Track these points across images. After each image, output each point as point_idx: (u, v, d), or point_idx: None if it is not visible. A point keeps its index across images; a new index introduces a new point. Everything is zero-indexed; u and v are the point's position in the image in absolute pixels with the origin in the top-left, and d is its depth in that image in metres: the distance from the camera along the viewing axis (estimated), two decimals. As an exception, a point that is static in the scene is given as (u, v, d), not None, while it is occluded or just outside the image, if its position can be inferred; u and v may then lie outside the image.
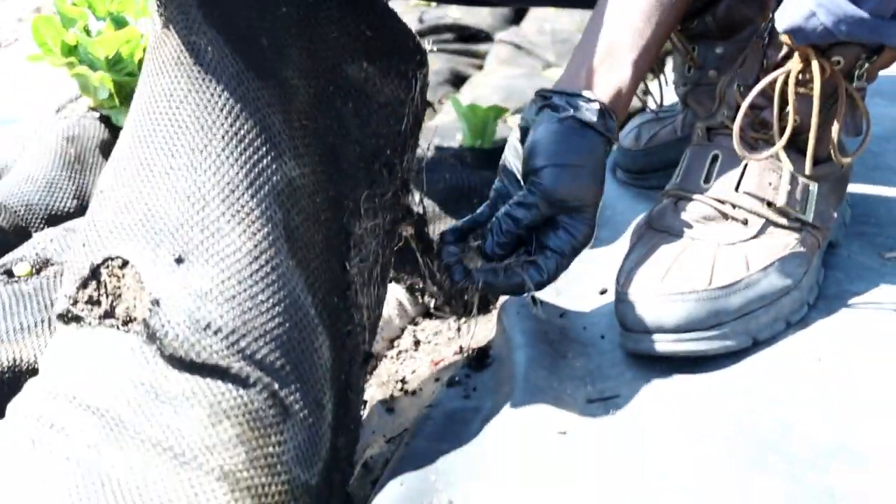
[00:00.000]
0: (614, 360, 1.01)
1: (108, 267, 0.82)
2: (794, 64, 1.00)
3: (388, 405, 1.15)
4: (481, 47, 1.98)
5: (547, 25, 1.92)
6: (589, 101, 0.98)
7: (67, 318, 0.84)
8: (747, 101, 1.01)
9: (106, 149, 1.48)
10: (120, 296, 0.81)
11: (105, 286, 0.82)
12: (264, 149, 0.84)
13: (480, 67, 1.93)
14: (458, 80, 1.87)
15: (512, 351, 1.04)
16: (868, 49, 0.99)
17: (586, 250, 1.24)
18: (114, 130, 1.50)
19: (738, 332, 0.97)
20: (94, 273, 0.82)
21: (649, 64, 1.03)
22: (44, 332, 1.05)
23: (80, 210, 1.40)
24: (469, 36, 2.00)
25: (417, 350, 1.32)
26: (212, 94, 0.84)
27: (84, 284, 0.82)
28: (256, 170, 0.83)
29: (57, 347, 0.85)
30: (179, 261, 0.80)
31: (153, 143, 0.84)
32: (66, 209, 1.40)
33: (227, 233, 0.81)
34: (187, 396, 0.77)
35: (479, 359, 1.09)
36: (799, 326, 1.01)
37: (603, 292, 1.15)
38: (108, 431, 0.78)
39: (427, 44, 1.75)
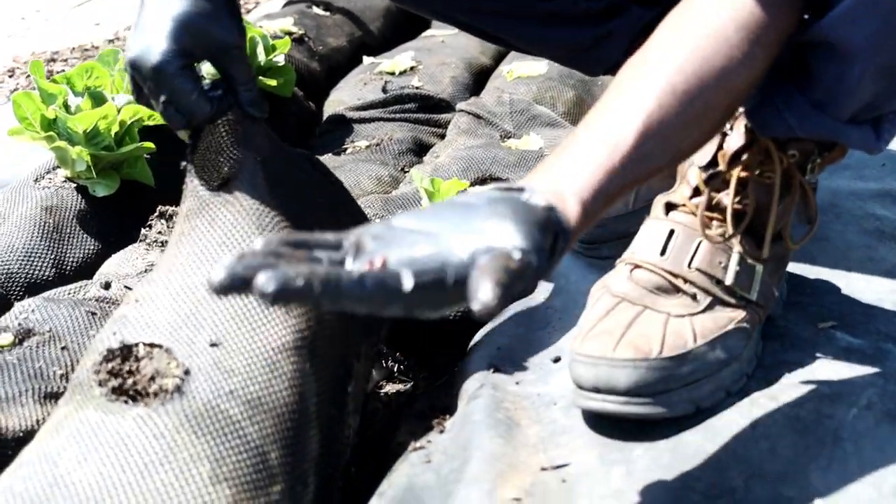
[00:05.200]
0: (566, 428, 1.08)
1: (137, 347, 0.97)
2: (755, 154, 1.10)
3: (353, 469, 1.21)
4: (443, 116, 2.07)
5: (506, 96, 2.00)
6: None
7: (80, 389, 0.94)
8: (710, 187, 1.12)
9: (83, 219, 1.54)
10: (143, 370, 0.94)
11: (130, 361, 0.95)
12: None
13: (442, 136, 2.01)
14: (420, 149, 1.96)
15: (471, 418, 1.10)
16: (821, 146, 1.11)
17: (540, 319, 1.32)
18: (90, 201, 1.56)
19: (683, 399, 1.05)
20: (122, 350, 0.96)
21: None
22: (28, 401, 1.10)
23: (59, 279, 1.46)
24: (431, 105, 2.08)
25: (381, 412, 1.38)
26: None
27: (108, 359, 0.96)
28: None
29: (60, 417, 0.92)
30: (214, 345, 0.96)
31: (203, 274, 1.03)
32: (45, 278, 1.45)
33: (261, 331, 0.98)
34: (193, 459, 0.88)
35: (440, 425, 1.15)
36: (738, 396, 1.08)
37: (556, 360, 1.22)
38: (109, 488, 0.86)
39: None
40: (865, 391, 1.09)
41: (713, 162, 1.14)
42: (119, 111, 1.53)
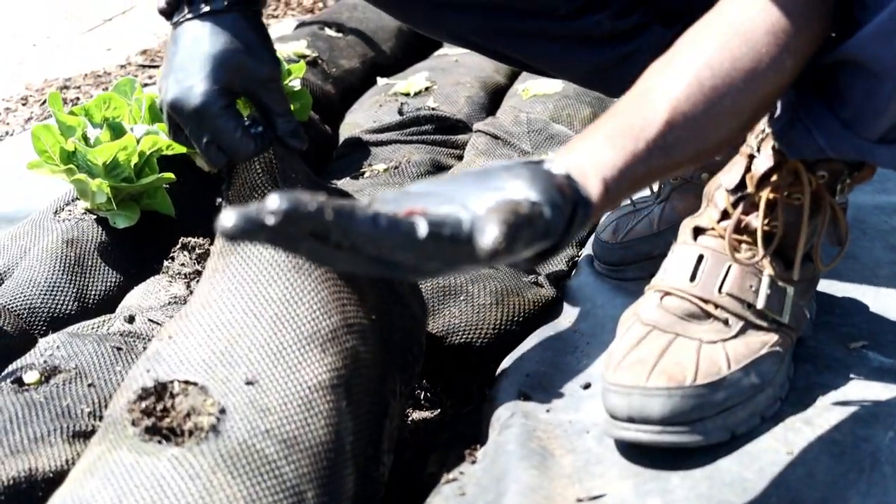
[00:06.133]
0: (600, 457, 1.07)
1: (172, 384, 0.96)
2: (784, 176, 1.09)
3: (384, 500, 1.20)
4: (460, 137, 2.06)
5: (522, 115, 1.99)
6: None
7: (113, 428, 0.94)
8: (739, 210, 1.12)
9: (104, 251, 1.54)
10: (178, 407, 0.93)
11: (165, 399, 0.94)
12: (342, 325, 1.03)
13: (460, 157, 2.00)
14: (438, 171, 1.94)
15: (504, 449, 1.09)
16: (850, 166, 1.10)
17: (568, 343, 1.32)
18: (111, 232, 1.56)
19: (718, 426, 1.04)
20: (157, 388, 0.95)
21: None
22: (56, 440, 1.09)
23: (82, 312, 1.45)
24: (448, 126, 2.07)
25: (411, 438, 1.37)
26: (303, 281, 1.04)
27: (142, 398, 0.95)
28: (333, 336, 1.01)
29: (93, 458, 0.91)
30: (250, 383, 0.95)
31: (236, 308, 1.03)
32: (67, 311, 1.45)
33: (298, 370, 0.98)
34: (230, 500, 0.87)
35: (471, 455, 1.15)
36: (773, 421, 1.08)
37: (586, 386, 1.22)
38: None
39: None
40: (901, 412, 1.08)
41: (741, 185, 1.13)
42: (138, 142, 1.53)
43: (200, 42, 1.12)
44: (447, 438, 1.30)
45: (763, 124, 1.12)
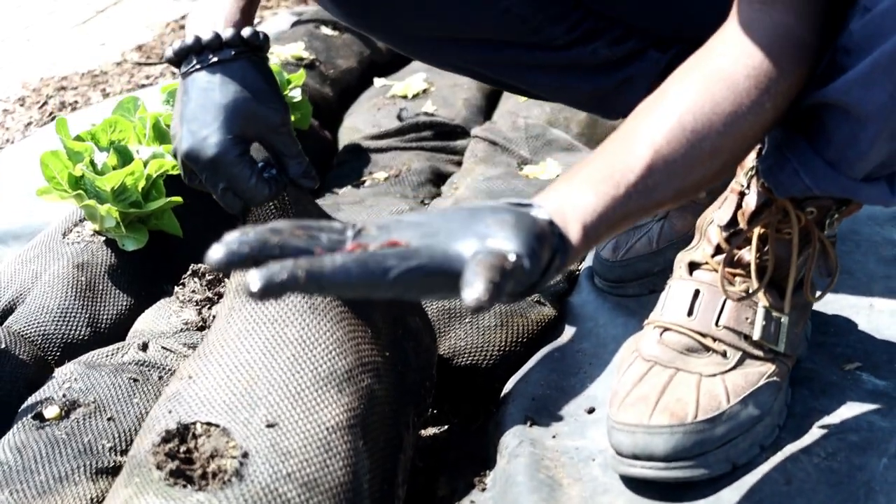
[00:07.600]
0: (607, 487, 1.11)
1: (194, 426, 0.99)
2: (773, 213, 1.12)
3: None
4: (459, 143, 2.08)
5: (520, 120, 2.01)
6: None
7: (139, 471, 0.97)
8: (731, 246, 1.16)
9: (114, 274, 1.56)
10: (201, 448, 0.97)
11: (188, 441, 0.98)
12: (357, 364, 1.07)
13: (459, 163, 2.03)
14: (438, 178, 1.97)
15: (514, 480, 1.13)
16: (838, 201, 1.14)
17: (571, 364, 1.35)
18: (119, 254, 1.58)
19: (720, 459, 1.09)
20: (180, 430, 0.99)
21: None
22: (80, 479, 1.12)
23: (94, 338, 1.48)
24: (447, 132, 2.09)
25: (420, 458, 1.41)
26: (318, 321, 1.08)
27: (166, 440, 0.98)
28: (349, 376, 1.06)
29: (120, 503, 0.95)
30: (271, 425, 0.99)
31: (254, 348, 1.07)
32: (80, 337, 1.48)
33: (316, 411, 1.01)
34: None
35: (481, 483, 1.18)
36: (772, 450, 1.12)
37: (591, 411, 1.25)
38: None
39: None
40: (894, 438, 1.12)
41: (733, 220, 1.17)
42: (145, 165, 1.55)
43: (211, 92, 1.14)
44: (455, 457, 1.34)
45: (752, 162, 1.15)
